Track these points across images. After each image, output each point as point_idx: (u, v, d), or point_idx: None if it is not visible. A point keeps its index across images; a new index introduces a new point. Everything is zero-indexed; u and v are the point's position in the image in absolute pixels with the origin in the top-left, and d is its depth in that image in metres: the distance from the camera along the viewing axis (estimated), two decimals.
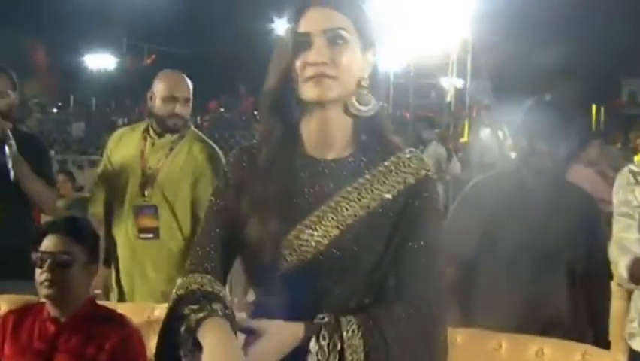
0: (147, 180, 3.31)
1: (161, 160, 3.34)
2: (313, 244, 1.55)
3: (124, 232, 3.36)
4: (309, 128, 1.62)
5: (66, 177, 6.70)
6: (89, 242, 2.45)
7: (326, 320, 1.50)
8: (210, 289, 1.54)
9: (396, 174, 1.61)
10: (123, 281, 3.39)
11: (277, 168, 1.61)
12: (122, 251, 3.39)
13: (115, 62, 31.45)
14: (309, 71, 1.56)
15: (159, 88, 3.37)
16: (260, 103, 1.64)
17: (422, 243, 1.58)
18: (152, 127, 3.40)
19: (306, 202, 1.59)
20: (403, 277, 1.56)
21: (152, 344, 2.49)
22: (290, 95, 1.59)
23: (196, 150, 3.36)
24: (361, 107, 1.60)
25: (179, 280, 1.59)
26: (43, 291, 2.39)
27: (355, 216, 1.57)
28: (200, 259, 1.62)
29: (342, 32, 1.57)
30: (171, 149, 3.35)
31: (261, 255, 1.56)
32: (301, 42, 1.57)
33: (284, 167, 1.61)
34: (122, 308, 2.59)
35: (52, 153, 12.47)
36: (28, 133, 3.64)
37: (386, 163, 1.62)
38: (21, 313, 2.49)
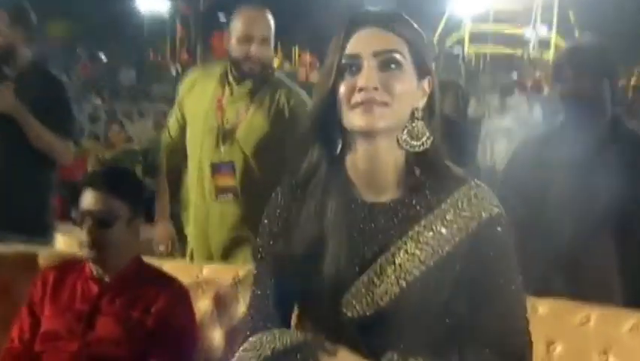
0: (225, 134, 3.15)
1: (241, 111, 3.17)
2: (373, 302, 1.53)
3: (198, 192, 3.22)
4: (356, 164, 1.57)
5: (119, 128, 6.73)
6: (132, 195, 2.40)
7: (395, 358, 1.52)
8: (282, 346, 1.51)
9: (458, 216, 1.54)
10: (193, 245, 3.29)
11: (328, 215, 1.56)
12: (195, 212, 3.26)
13: (169, 6, 31.54)
14: (358, 97, 1.50)
15: (234, 26, 3.15)
16: (304, 131, 1.61)
17: (497, 286, 1.54)
18: (230, 72, 3.19)
19: (361, 255, 1.55)
20: (479, 329, 1.54)
21: (200, 305, 2.51)
22: (334, 128, 1.54)
23: (281, 98, 3.16)
24: (413, 142, 1.54)
25: (245, 345, 1.55)
26: (85, 253, 2.38)
27: (416, 270, 1.52)
28: (261, 316, 1.62)
29: (397, 56, 1.52)
30: (252, 98, 3.16)
31: (318, 311, 1.57)
32: (349, 64, 1.52)
33: (336, 214, 1.55)
34: (169, 267, 2.56)
35: (100, 101, 12.64)
36: (50, 76, 3.44)
37: (444, 206, 1.55)
38: (62, 271, 2.48)
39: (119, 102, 12.75)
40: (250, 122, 3.15)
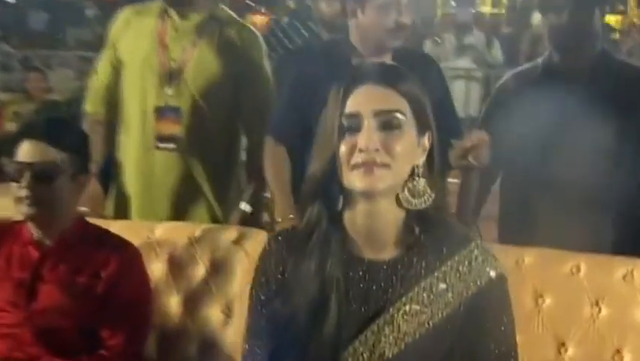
0: (171, 74, 2.97)
1: (187, 48, 2.98)
2: None
3: (136, 141, 3.03)
4: (355, 221, 1.60)
5: (39, 76, 6.45)
6: (76, 146, 2.25)
7: None
8: None
9: (459, 278, 1.59)
10: (135, 204, 3.07)
11: (327, 272, 1.58)
12: (130, 165, 3.08)
13: None
14: (358, 158, 1.53)
15: None
16: (303, 190, 1.63)
17: (497, 351, 1.60)
18: (170, 6, 3.01)
19: (359, 314, 1.58)
20: None
21: (153, 269, 2.40)
22: (334, 185, 1.58)
23: (232, 33, 3.01)
24: (415, 200, 1.57)
25: None
26: (23, 210, 2.22)
27: (414, 333, 1.56)
28: None
29: (398, 115, 1.55)
30: (199, 34, 3.00)
31: None
32: (348, 124, 1.54)
33: (334, 271, 1.58)
34: (116, 227, 2.44)
35: (10, 48, 12.16)
36: None
37: (444, 268, 1.59)
38: None
39: (32, 49, 12.31)
40: (199, 59, 2.99)
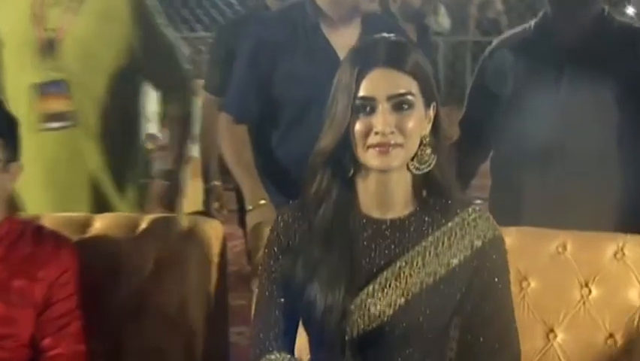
0: (48, 46, 2.85)
1: (67, 16, 2.86)
2: (377, 313, 1.74)
3: (25, 125, 2.81)
4: (367, 188, 1.80)
5: None
6: (7, 131, 2.11)
7: None
8: None
9: (462, 236, 1.79)
10: (25, 196, 2.92)
11: (337, 231, 1.78)
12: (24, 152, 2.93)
13: None
14: (374, 140, 1.72)
15: None
16: (311, 160, 1.80)
17: (496, 307, 1.81)
18: None
19: (368, 267, 1.77)
20: (477, 345, 1.80)
21: (95, 266, 2.24)
22: (346, 155, 1.77)
23: None
24: (422, 166, 1.78)
25: None
26: None
27: (421, 284, 1.75)
28: (269, 335, 1.83)
29: (409, 97, 1.73)
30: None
31: (323, 324, 1.75)
32: (363, 105, 1.72)
33: (344, 230, 1.79)
34: (50, 222, 2.31)
35: None
36: None
37: (450, 224, 1.80)
38: None
39: None
40: (79, 28, 2.85)
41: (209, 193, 3.35)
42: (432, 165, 1.78)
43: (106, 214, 2.48)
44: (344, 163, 1.78)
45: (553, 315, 2.11)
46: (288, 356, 1.81)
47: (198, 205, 3.53)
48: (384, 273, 1.76)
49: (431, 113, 1.79)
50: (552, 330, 2.11)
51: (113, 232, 2.35)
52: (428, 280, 1.75)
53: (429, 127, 1.79)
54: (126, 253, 2.31)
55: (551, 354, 2.11)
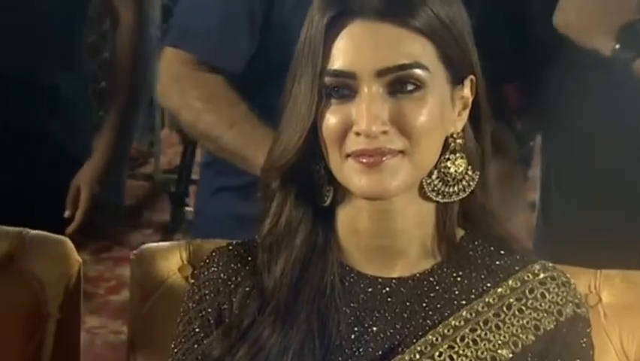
0: None
1: None
2: None
3: None
4: (354, 226, 1.18)
5: None
6: None
7: None
8: None
9: (521, 311, 1.18)
10: None
11: (304, 299, 1.15)
12: None
13: None
14: (354, 145, 1.10)
15: None
16: (263, 177, 1.20)
17: None
18: None
19: (355, 357, 1.14)
20: None
21: None
22: (319, 168, 1.17)
23: None
24: (448, 189, 1.16)
25: None
26: None
27: None
28: None
29: (417, 72, 1.10)
30: None
31: None
32: (337, 85, 1.10)
33: (316, 297, 1.15)
34: None
35: None
36: None
37: (500, 290, 1.18)
38: None
39: None
40: None
41: None
42: (469, 188, 1.16)
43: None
44: (315, 182, 1.17)
45: None
46: None
47: None
48: None
49: (466, 92, 1.16)
50: None
51: None
52: None
53: (463, 119, 1.17)
54: None
55: None
